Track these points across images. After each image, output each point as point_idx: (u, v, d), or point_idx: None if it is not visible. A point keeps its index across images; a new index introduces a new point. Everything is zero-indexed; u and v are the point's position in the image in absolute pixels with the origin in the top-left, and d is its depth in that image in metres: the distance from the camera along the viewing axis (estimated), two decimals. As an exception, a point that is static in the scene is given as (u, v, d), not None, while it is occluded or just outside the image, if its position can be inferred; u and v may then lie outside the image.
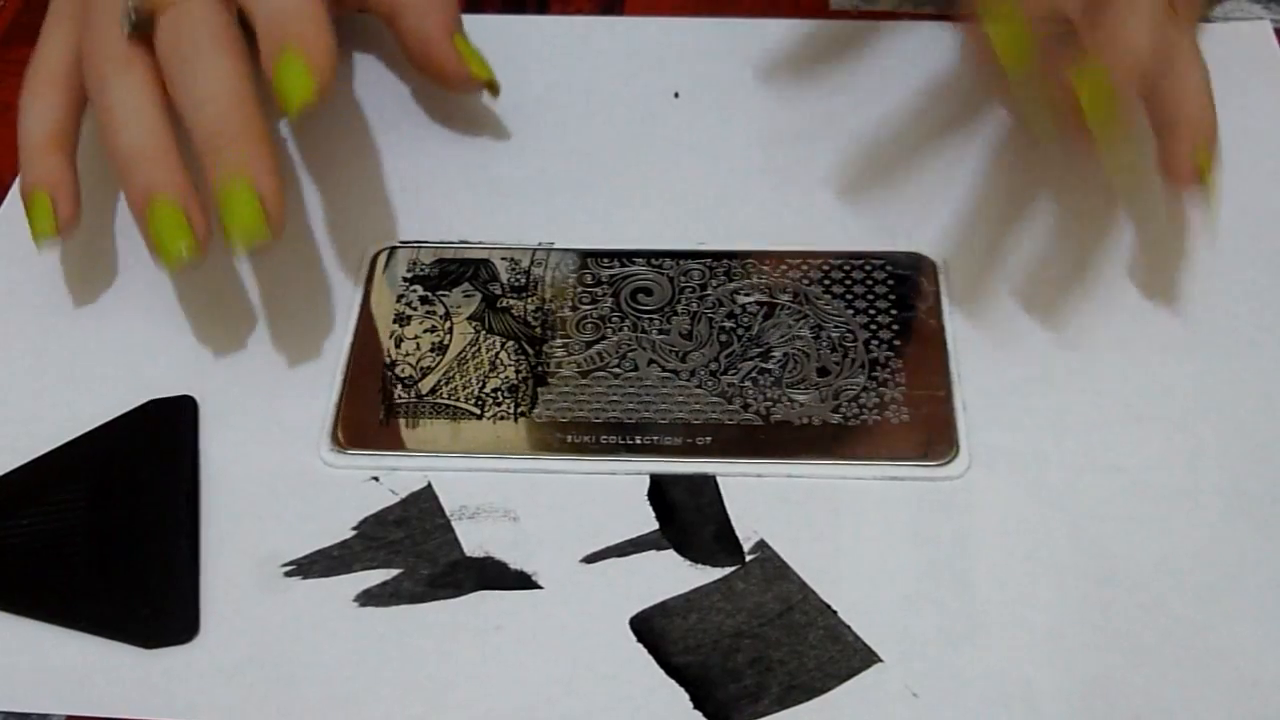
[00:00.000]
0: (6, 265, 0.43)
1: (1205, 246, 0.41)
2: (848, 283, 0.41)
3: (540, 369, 0.39)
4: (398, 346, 0.40)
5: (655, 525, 0.36)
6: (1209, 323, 0.40)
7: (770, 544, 0.36)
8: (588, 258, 0.42)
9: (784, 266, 0.42)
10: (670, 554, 0.36)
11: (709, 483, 0.37)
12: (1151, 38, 0.36)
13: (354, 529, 0.36)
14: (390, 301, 0.41)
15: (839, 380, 0.39)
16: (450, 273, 0.42)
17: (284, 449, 0.38)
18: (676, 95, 0.47)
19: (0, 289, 0.42)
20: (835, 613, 0.34)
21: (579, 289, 0.41)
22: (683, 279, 0.41)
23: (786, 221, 0.43)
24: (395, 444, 0.38)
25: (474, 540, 0.36)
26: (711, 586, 0.35)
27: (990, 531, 0.36)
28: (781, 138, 0.43)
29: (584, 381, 0.39)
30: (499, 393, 0.39)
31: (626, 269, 0.42)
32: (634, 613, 0.35)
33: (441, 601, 0.35)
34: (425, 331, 0.41)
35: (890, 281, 0.41)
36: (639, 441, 0.38)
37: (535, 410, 0.38)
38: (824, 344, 0.40)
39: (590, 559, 0.36)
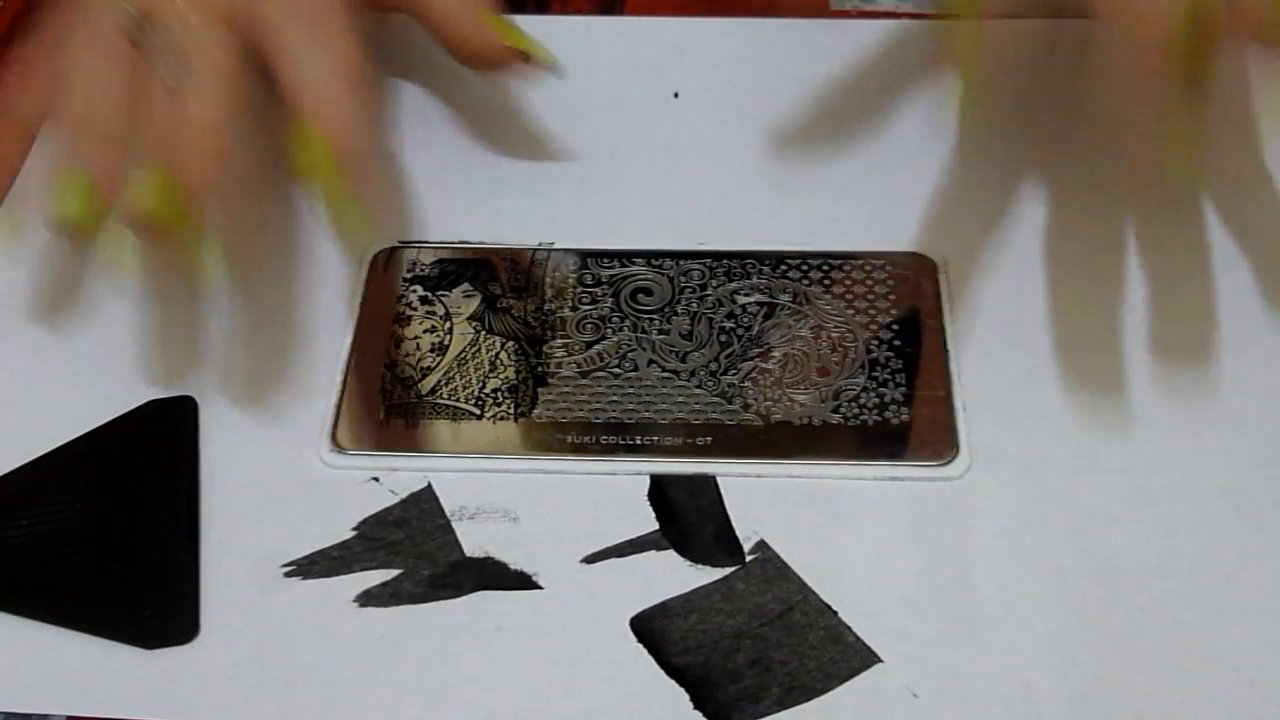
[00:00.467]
0: (6, 265, 0.43)
1: (1205, 245, 0.41)
2: (848, 283, 0.41)
3: (540, 369, 0.39)
4: (398, 347, 0.40)
5: (655, 525, 0.36)
6: (1210, 320, 0.40)
7: (770, 544, 0.36)
8: (588, 258, 0.42)
9: (784, 266, 0.42)
10: (670, 554, 0.36)
11: (709, 483, 0.37)
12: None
13: (354, 529, 0.36)
14: (390, 302, 0.41)
15: (839, 380, 0.39)
16: (450, 273, 0.42)
17: (284, 449, 0.38)
18: (676, 95, 0.47)
19: (0, 289, 0.42)
20: (835, 613, 0.34)
21: (579, 289, 0.41)
22: (683, 279, 0.41)
23: (786, 221, 0.43)
24: (395, 444, 0.38)
25: (474, 541, 0.36)
26: (711, 587, 0.35)
27: (990, 531, 0.36)
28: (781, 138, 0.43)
29: (584, 382, 0.39)
30: (499, 393, 0.39)
31: (626, 269, 0.42)
32: (634, 613, 0.35)
33: (442, 602, 0.35)
34: (425, 332, 0.41)
35: (890, 281, 0.41)
36: (639, 442, 0.38)
37: (535, 410, 0.38)
38: (824, 344, 0.39)
39: (590, 559, 0.36)
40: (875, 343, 0.39)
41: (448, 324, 0.41)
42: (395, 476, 0.37)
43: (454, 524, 0.36)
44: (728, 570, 0.35)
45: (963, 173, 0.43)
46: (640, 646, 0.34)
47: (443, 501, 0.37)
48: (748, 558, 0.35)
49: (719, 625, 0.34)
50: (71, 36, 0.38)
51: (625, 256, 0.42)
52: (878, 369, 0.39)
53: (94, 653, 0.34)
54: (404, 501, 0.37)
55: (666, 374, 0.39)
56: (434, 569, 0.36)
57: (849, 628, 0.34)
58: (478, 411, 0.38)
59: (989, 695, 0.33)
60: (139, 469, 0.38)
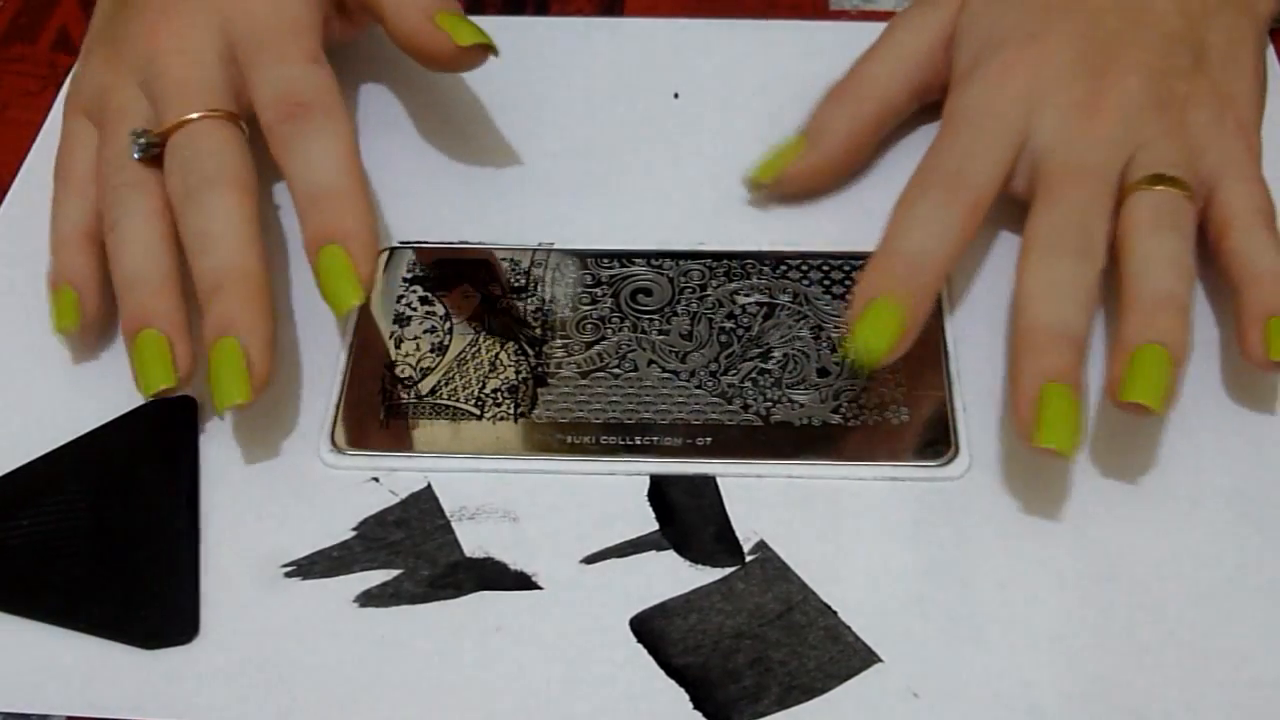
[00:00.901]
0: (6, 265, 0.43)
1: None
2: (847, 283, 0.41)
3: (540, 369, 0.39)
4: (398, 347, 0.40)
5: (655, 526, 0.36)
6: (1209, 322, 0.40)
7: (770, 544, 0.36)
8: (588, 258, 0.42)
9: (784, 266, 0.42)
10: (670, 554, 0.36)
11: (709, 483, 0.37)
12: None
13: (354, 530, 0.36)
14: (390, 302, 0.41)
15: (839, 381, 0.39)
16: (450, 273, 0.42)
17: (284, 449, 0.38)
18: (676, 95, 0.47)
19: (0, 289, 0.42)
20: (835, 613, 0.34)
21: (579, 289, 0.41)
22: (683, 279, 0.41)
23: (786, 221, 0.43)
24: (395, 444, 0.38)
25: (474, 541, 0.36)
26: (711, 587, 0.35)
27: (990, 531, 0.36)
28: (781, 138, 0.43)
29: (584, 382, 0.39)
30: (499, 393, 0.39)
31: (626, 269, 0.42)
32: (634, 613, 0.35)
33: (441, 602, 0.35)
34: (425, 332, 0.41)
35: (890, 282, 0.41)
36: (639, 442, 0.38)
37: (535, 411, 0.38)
38: (824, 344, 0.40)
39: (590, 560, 0.36)
40: (875, 343, 0.39)
41: (447, 324, 0.41)
42: (395, 477, 0.37)
43: (454, 524, 0.36)
44: (728, 570, 0.35)
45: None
46: (640, 646, 0.34)
47: (442, 502, 0.37)
48: (747, 558, 0.35)
49: (719, 625, 0.34)
50: (103, 175, 0.39)
51: (625, 257, 0.42)
52: (877, 369, 0.39)
53: (94, 653, 0.34)
54: (404, 502, 0.37)
55: (666, 374, 0.39)
56: (434, 569, 0.36)
57: (849, 627, 0.34)
58: (477, 412, 0.38)
59: (989, 695, 0.33)
60: (139, 469, 0.38)
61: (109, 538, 0.36)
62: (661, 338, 0.40)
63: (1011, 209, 0.40)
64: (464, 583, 0.35)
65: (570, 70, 0.48)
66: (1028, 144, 0.39)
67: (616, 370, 0.39)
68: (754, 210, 0.44)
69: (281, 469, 0.38)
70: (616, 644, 0.34)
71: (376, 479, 0.37)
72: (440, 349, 0.40)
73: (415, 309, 0.41)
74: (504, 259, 0.42)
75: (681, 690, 0.33)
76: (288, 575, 0.36)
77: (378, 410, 0.39)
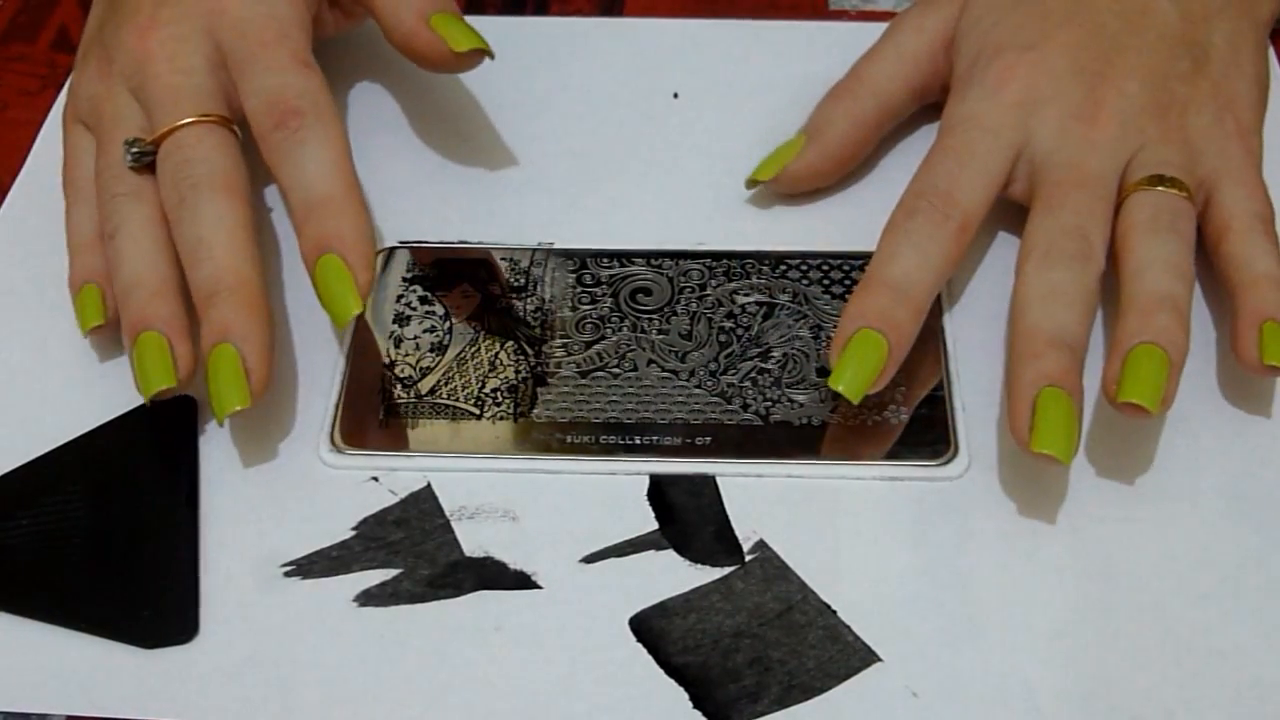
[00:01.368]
0: (6, 265, 0.43)
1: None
2: (847, 283, 0.41)
3: (540, 369, 0.39)
4: (397, 347, 0.40)
5: (655, 525, 0.36)
6: (1208, 324, 0.40)
7: (770, 544, 0.36)
8: (587, 258, 0.42)
9: (784, 266, 0.42)
10: (670, 554, 0.36)
11: (709, 483, 0.37)
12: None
13: (353, 529, 0.36)
14: (390, 301, 0.41)
15: (839, 380, 0.39)
16: (450, 273, 0.42)
17: (284, 449, 0.38)
18: (676, 95, 0.47)
19: (0, 289, 0.42)
20: (835, 613, 0.34)
21: (578, 289, 0.41)
22: (682, 279, 0.41)
23: (786, 221, 0.43)
24: (395, 444, 0.38)
25: (474, 540, 0.36)
26: (711, 586, 0.35)
27: (990, 531, 0.36)
28: (781, 138, 0.43)
29: (583, 382, 0.39)
30: (498, 393, 0.39)
31: (626, 269, 0.42)
32: (634, 613, 0.35)
33: (441, 602, 0.35)
34: (425, 332, 0.41)
35: (890, 281, 0.41)
36: (639, 442, 0.38)
37: (535, 410, 0.38)
38: (823, 344, 0.40)
39: (590, 559, 0.36)
40: (875, 342, 0.39)
41: (447, 324, 0.41)
42: (395, 476, 0.37)
43: (453, 524, 0.36)
44: (727, 570, 0.35)
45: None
46: (640, 646, 0.34)
47: (442, 501, 0.37)
48: (747, 557, 0.35)
49: (718, 625, 0.34)
50: (100, 182, 0.39)
51: (624, 256, 0.42)
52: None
53: (94, 653, 0.34)
54: (403, 501, 0.37)
55: (666, 374, 0.39)
56: (433, 569, 0.36)
57: (848, 627, 0.34)
58: (477, 411, 0.38)
59: (989, 695, 0.33)
60: (139, 469, 0.38)
61: (108, 537, 0.36)
62: (661, 337, 0.40)
63: (1012, 210, 0.40)
64: (463, 582, 0.35)
65: (570, 70, 0.48)
66: (1027, 148, 0.39)
67: (616, 370, 0.39)
68: (753, 210, 0.44)
69: (281, 469, 0.38)
70: (616, 643, 0.34)
71: (376, 479, 0.37)
72: (440, 349, 0.40)
73: (414, 309, 0.41)
74: (503, 259, 0.42)
75: (681, 689, 0.33)
76: (287, 575, 0.36)
77: (377, 410, 0.39)
